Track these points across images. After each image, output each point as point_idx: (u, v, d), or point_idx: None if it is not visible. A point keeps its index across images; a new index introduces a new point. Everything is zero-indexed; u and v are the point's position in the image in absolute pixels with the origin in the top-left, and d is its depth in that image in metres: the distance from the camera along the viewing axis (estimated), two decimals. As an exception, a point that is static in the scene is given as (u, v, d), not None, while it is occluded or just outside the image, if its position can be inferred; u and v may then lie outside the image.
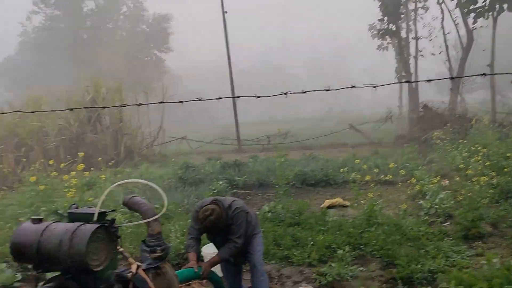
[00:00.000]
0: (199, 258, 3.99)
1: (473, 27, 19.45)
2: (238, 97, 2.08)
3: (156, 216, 2.66)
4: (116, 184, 2.56)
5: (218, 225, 3.68)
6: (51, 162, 10.85)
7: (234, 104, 22.48)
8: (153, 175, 12.36)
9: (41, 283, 2.39)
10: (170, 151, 19.64)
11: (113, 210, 2.57)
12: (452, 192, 7.74)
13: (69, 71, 34.69)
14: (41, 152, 15.21)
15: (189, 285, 4.69)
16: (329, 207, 8.21)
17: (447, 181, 9.00)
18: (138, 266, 2.61)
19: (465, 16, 19.30)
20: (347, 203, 8.31)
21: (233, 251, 3.79)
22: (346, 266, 5.02)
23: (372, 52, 35.05)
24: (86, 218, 2.36)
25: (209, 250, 4.74)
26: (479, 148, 10.33)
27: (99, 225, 2.26)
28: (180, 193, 9.59)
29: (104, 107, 2.95)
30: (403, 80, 25.79)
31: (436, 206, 7.10)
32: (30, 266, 2.35)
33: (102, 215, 2.40)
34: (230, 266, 4.05)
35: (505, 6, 17.86)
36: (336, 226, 6.44)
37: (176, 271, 3.24)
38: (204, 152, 19.90)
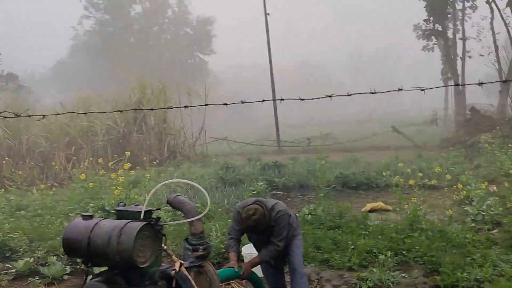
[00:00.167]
0: (239, 258, 4.04)
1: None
2: (282, 99, 2.10)
3: (199, 216, 2.73)
4: (162, 183, 2.65)
5: (260, 225, 3.71)
6: (99, 161, 11.29)
7: (274, 106, 22.52)
8: (195, 174, 12.61)
9: (89, 277, 2.52)
10: (211, 151, 19.94)
11: (158, 209, 2.67)
12: (500, 199, 7.42)
13: (117, 73, 35.96)
14: (90, 150, 15.87)
15: (229, 284, 4.77)
16: (371, 211, 8.07)
17: (495, 187, 8.62)
18: (181, 264, 2.69)
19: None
20: (389, 207, 8.14)
21: (274, 254, 3.81)
22: (388, 271, 4.93)
23: (417, 53, 34.10)
24: (133, 216, 2.46)
25: (249, 250, 4.79)
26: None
27: (145, 223, 2.35)
28: (220, 193, 9.73)
29: (151, 109, 3.06)
30: (450, 82, 24.93)
31: (483, 213, 6.83)
32: (79, 261, 2.46)
33: (148, 213, 2.49)
34: (271, 267, 4.08)
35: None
36: (377, 230, 6.33)
37: (217, 271, 3.31)
38: (244, 152, 20.06)
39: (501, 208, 6.87)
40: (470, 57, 25.68)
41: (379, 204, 8.24)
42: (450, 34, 24.60)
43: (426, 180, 9.92)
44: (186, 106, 2.23)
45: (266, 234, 3.86)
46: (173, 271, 2.57)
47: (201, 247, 3.01)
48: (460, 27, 26.29)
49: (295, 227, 4.02)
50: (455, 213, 7.25)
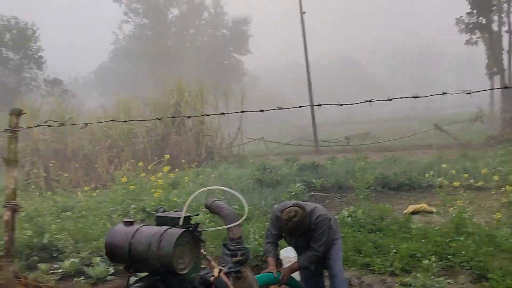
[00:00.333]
0: (278, 263, 4.00)
1: None
2: (320, 105, 2.04)
3: (237, 223, 2.72)
4: (199, 191, 2.66)
5: (300, 228, 3.65)
6: (140, 164, 11.56)
7: (311, 103, 22.30)
8: (232, 175, 12.66)
9: (132, 277, 2.55)
10: (248, 152, 20.01)
11: (197, 215, 2.68)
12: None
13: (155, 76, 36.80)
14: (131, 152, 16.30)
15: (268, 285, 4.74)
16: (413, 213, 7.81)
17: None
18: (220, 270, 2.69)
19: None
20: (433, 209, 7.85)
21: (313, 259, 3.75)
22: (433, 277, 4.74)
23: (460, 47, 32.84)
24: (172, 222, 2.48)
25: (287, 253, 4.74)
26: None
27: (184, 229, 2.36)
28: (257, 195, 9.69)
29: (189, 117, 3.09)
30: (495, 77, 23.84)
31: (535, 216, 6.47)
32: (122, 266, 2.50)
33: (187, 219, 2.50)
34: (309, 271, 4.01)
35: None
36: (421, 233, 6.11)
37: (255, 275, 3.29)
38: (281, 153, 19.98)
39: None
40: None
41: (422, 206, 7.96)
42: (495, 27, 23.53)
43: (472, 181, 9.52)
44: (223, 113, 2.21)
45: (305, 238, 3.81)
46: (212, 277, 2.57)
47: (239, 252, 3.00)
48: (505, 19, 25.09)
49: (335, 231, 3.94)
50: (504, 216, 6.89)
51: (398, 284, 4.75)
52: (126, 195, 9.79)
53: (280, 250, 4.71)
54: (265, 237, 4.01)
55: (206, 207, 3.24)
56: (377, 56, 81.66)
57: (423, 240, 5.82)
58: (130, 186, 9.47)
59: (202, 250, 2.58)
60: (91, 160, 16.05)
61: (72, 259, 6.11)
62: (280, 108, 2.14)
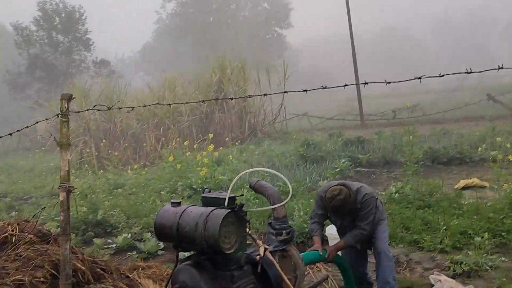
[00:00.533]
0: (323, 241, 3.98)
1: None
2: (366, 83, 1.96)
3: (281, 204, 2.71)
4: (242, 174, 2.66)
5: (345, 206, 3.61)
6: (186, 143, 11.79)
7: (356, 77, 21.72)
8: (275, 152, 12.66)
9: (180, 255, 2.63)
10: (291, 127, 19.87)
11: (242, 195, 2.70)
12: None
13: (198, 54, 37.07)
14: (177, 130, 16.66)
15: (314, 265, 4.75)
16: (464, 188, 7.53)
17: None
18: (266, 249, 2.71)
19: None
20: (486, 184, 7.52)
21: (359, 237, 3.70)
22: (485, 255, 4.58)
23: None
24: (218, 202, 2.51)
25: (333, 230, 4.71)
26: None
27: (229, 210, 2.39)
28: (301, 171, 9.66)
29: (231, 99, 3.07)
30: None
31: None
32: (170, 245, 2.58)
33: (232, 200, 2.52)
34: (353, 251, 3.96)
35: None
36: (472, 210, 5.89)
37: (301, 254, 3.30)
38: (325, 128, 19.71)
39: None
40: None
41: (474, 180, 7.64)
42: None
43: (529, 154, 9.00)
44: (265, 94, 2.17)
45: (351, 218, 3.76)
46: (258, 256, 2.60)
47: (284, 231, 3.02)
48: None
49: (381, 211, 3.87)
50: None
51: (448, 261, 4.61)
52: (173, 173, 10.06)
53: (325, 227, 4.70)
54: (310, 217, 4.00)
55: (250, 187, 3.27)
56: (425, 25, 77.66)
57: (475, 217, 5.62)
58: (177, 165, 9.70)
59: (247, 230, 2.60)
60: (139, 138, 16.57)
61: (125, 235, 6.41)
62: (324, 87, 2.07)
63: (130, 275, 4.00)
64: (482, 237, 4.92)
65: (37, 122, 3.19)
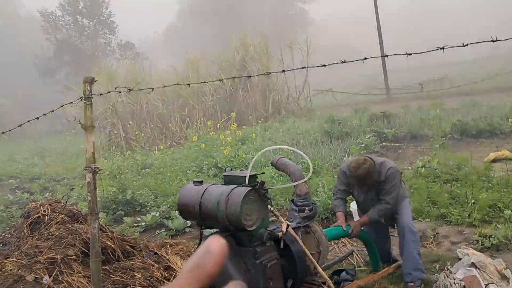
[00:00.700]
0: (347, 216, 3.98)
1: None
2: (386, 56, 1.91)
3: (303, 181, 2.72)
4: (260, 152, 2.67)
5: (369, 177, 3.57)
6: (209, 123, 11.85)
7: (381, 50, 21.20)
8: (300, 129, 12.60)
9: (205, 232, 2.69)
10: (316, 104, 19.66)
11: (263, 173, 2.71)
12: None
13: (221, 32, 36.85)
14: (201, 110, 16.76)
15: (338, 239, 4.77)
16: (494, 160, 7.33)
17: None
18: (288, 225, 2.74)
19: None
20: (517, 156, 7.31)
21: (383, 212, 3.68)
22: (515, 228, 4.49)
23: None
24: (239, 181, 2.54)
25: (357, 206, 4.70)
26: None
27: (250, 188, 2.41)
28: (326, 148, 9.61)
29: (249, 76, 3.05)
30: None
31: None
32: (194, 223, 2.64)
33: (253, 178, 2.55)
34: (378, 227, 3.95)
35: None
36: (502, 182, 5.76)
37: (325, 230, 3.32)
38: (350, 103, 19.39)
39: None
40: None
41: (505, 153, 7.43)
42: None
43: None
44: (283, 71, 2.14)
45: (374, 192, 3.74)
46: (281, 232, 2.63)
47: (307, 208, 3.03)
48: None
49: (403, 189, 3.83)
50: None
51: (477, 235, 4.54)
52: (199, 152, 10.19)
53: (349, 203, 4.69)
54: (333, 194, 4.00)
55: (272, 165, 3.28)
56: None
57: (504, 190, 5.49)
58: (201, 145, 9.80)
59: (269, 207, 2.63)
60: (164, 119, 16.76)
61: (153, 213, 6.57)
62: (343, 62, 2.03)
63: (158, 252, 4.12)
64: (512, 210, 4.82)
65: (61, 106, 3.26)
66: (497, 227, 4.58)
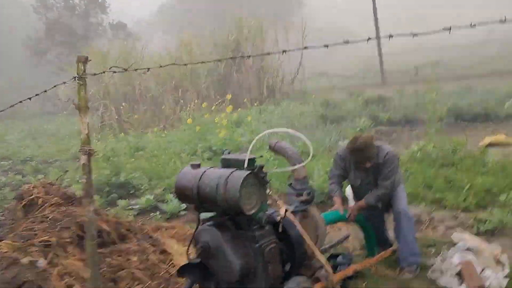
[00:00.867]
0: (343, 201, 3.97)
1: None
2: (391, 36, 1.85)
3: (302, 164, 2.67)
4: (261, 135, 2.61)
5: (368, 150, 3.52)
6: (204, 105, 11.75)
7: (377, 33, 21.03)
8: (294, 112, 12.53)
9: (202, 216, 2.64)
10: (310, 87, 19.55)
11: (261, 156, 2.66)
12: None
13: (214, 13, 36.35)
14: (195, 92, 16.59)
15: (335, 223, 4.76)
16: (489, 145, 7.35)
17: None
18: (286, 209, 2.70)
19: None
20: (512, 141, 7.33)
21: (381, 197, 3.66)
22: (510, 213, 4.50)
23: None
24: (237, 164, 2.49)
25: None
26: None
27: (249, 172, 2.37)
28: (321, 131, 9.56)
29: (248, 57, 2.96)
30: None
31: None
32: (191, 206, 2.59)
33: (251, 161, 2.50)
34: (374, 212, 3.93)
35: None
36: (498, 167, 5.78)
37: (322, 214, 3.30)
38: (345, 87, 19.33)
39: None
40: None
41: (500, 137, 7.44)
42: None
43: (559, 110, 8.70)
44: (284, 51, 2.07)
45: (372, 176, 3.70)
46: (279, 216, 2.60)
47: (305, 192, 3.00)
48: None
49: (399, 174, 3.81)
50: None
51: (472, 220, 4.56)
52: (193, 135, 10.11)
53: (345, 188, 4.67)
54: (329, 178, 3.96)
55: (270, 148, 3.23)
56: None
57: (500, 174, 5.50)
58: (197, 127, 9.72)
59: (268, 191, 2.59)
60: (158, 101, 16.59)
61: (147, 196, 6.52)
62: (347, 42, 1.97)
63: (153, 235, 4.09)
64: (508, 195, 4.83)
65: (54, 86, 3.17)
66: (493, 212, 4.60)
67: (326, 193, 5.45)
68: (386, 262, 3.78)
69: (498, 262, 3.61)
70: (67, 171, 5.98)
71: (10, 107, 3.60)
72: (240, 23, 18.01)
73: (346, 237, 4.16)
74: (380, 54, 20.85)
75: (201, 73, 16.95)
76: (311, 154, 2.52)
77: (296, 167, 2.74)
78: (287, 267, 2.66)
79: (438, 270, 3.54)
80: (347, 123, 10.07)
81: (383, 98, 12.09)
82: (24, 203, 3.53)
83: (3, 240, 3.04)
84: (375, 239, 3.94)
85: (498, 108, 9.64)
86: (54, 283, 2.71)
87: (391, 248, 3.82)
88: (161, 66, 2.70)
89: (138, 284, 3.12)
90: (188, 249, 2.59)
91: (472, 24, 1.62)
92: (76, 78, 2.86)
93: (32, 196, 3.52)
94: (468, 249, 3.66)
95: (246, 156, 2.42)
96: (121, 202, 6.43)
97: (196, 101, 14.70)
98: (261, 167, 2.46)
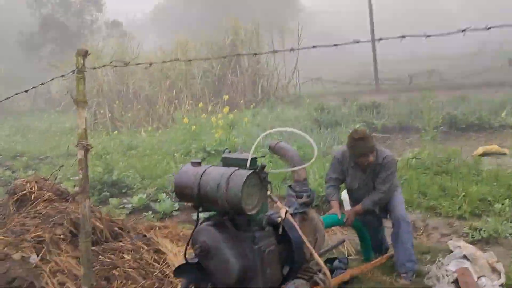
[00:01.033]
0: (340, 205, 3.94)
1: None
2: (380, 39, 1.82)
3: (306, 165, 2.64)
4: (267, 132, 2.58)
5: (368, 141, 3.50)
6: (200, 105, 11.69)
7: (373, 42, 21.15)
8: (289, 116, 12.53)
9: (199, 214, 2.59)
10: (305, 92, 19.58)
11: (263, 156, 2.62)
12: None
13: (210, 15, 36.32)
14: (189, 93, 16.51)
15: (330, 229, 4.73)
16: (483, 154, 7.39)
17: None
18: (286, 211, 2.66)
19: None
20: (506, 151, 7.38)
21: (377, 201, 3.64)
22: (505, 222, 4.51)
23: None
24: (238, 163, 2.44)
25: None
26: None
27: (252, 171, 2.32)
28: (316, 136, 9.54)
29: (238, 55, 2.91)
30: None
31: None
32: (191, 205, 2.54)
33: (253, 161, 2.46)
34: (371, 217, 3.90)
35: None
36: (492, 176, 5.80)
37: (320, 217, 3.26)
38: (339, 92, 19.37)
39: None
40: None
41: (494, 147, 7.49)
42: None
43: (552, 121, 8.78)
44: (275, 51, 2.05)
45: (370, 178, 3.68)
46: (279, 218, 2.56)
47: (305, 194, 2.96)
48: None
49: (396, 179, 3.80)
50: None
51: (467, 228, 4.56)
52: (186, 135, 10.04)
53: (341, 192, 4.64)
54: (325, 182, 3.94)
55: (269, 149, 3.19)
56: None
57: (494, 184, 5.52)
58: (192, 127, 9.65)
59: (268, 192, 2.55)
60: (151, 101, 16.48)
61: (140, 195, 6.44)
62: (336, 45, 1.94)
63: (147, 235, 4.02)
64: (503, 204, 4.85)
65: (52, 79, 3.11)
66: (487, 220, 4.60)
67: (321, 197, 5.42)
68: (382, 268, 3.75)
69: (494, 270, 3.60)
70: (62, 166, 5.87)
71: (-1, 102, 3.52)
72: (236, 25, 18.00)
73: (342, 242, 4.13)
74: (374, 61, 20.97)
75: (197, 75, 16.89)
76: (315, 155, 2.49)
77: (300, 167, 2.71)
78: (285, 270, 2.62)
79: (434, 277, 3.52)
80: (341, 128, 10.06)
81: (378, 104, 12.11)
82: (16, 197, 3.45)
83: (-7, 235, 2.97)
84: (372, 244, 3.92)
85: (492, 118, 9.71)
86: (47, 280, 2.63)
87: (388, 254, 3.80)
88: (164, 62, 2.65)
89: (131, 283, 3.06)
90: (186, 248, 2.54)
91: (488, 26, 1.60)
92: (75, 72, 2.81)
93: (25, 191, 3.45)
94: (464, 257, 3.65)
95: (249, 155, 2.38)
96: (113, 201, 6.35)
97: (190, 102, 14.63)
98: (263, 167, 2.42)
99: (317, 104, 13.12)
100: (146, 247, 3.57)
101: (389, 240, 4.01)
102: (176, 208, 6.06)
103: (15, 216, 3.17)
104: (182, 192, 2.48)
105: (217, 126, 8.83)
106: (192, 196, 2.43)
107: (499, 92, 13.38)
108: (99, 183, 7.02)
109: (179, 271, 2.62)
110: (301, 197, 2.94)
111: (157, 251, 3.69)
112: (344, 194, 4.79)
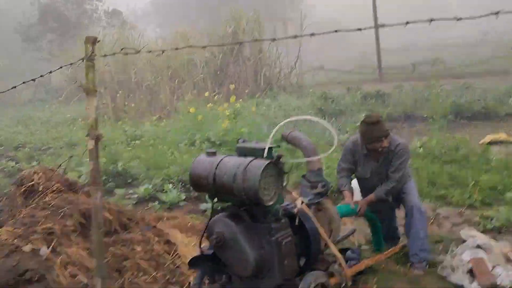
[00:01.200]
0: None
1: None
2: (383, 26, 1.75)
3: (327, 154, 2.57)
4: (284, 122, 2.51)
5: (383, 126, 3.47)
6: (206, 94, 11.60)
7: (376, 30, 20.96)
8: (291, 106, 12.42)
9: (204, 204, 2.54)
10: (307, 81, 19.44)
11: (278, 146, 2.56)
12: None
13: (211, 5, 36.00)
14: (191, 83, 16.40)
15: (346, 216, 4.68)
16: (490, 143, 7.31)
17: None
18: (302, 202, 2.61)
19: None
20: (513, 139, 7.30)
21: (390, 190, 3.57)
22: (517, 211, 4.46)
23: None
24: (254, 153, 2.38)
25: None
26: None
27: (269, 161, 2.26)
28: (321, 125, 9.46)
29: (239, 43, 2.84)
30: None
31: None
32: (207, 196, 2.48)
33: (269, 150, 2.40)
34: (384, 207, 3.84)
35: None
36: (501, 165, 5.74)
37: (334, 207, 3.21)
38: (342, 82, 19.24)
39: None
40: None
41: (502, 135, 7.41)
42: None
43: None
44: (274, 39, 1.98)
45: (382, 166, 3.62)
46: (296, 209, 2.51)
47: (320, 184, 2.91)
48: None
49: (409, 168, 3.74)
50: None
51: (478, 217, 4.51)
52: (190, 125, 9.96)
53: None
54: (337, 172, 3.87)
55: (283, 139, 3.13)
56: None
57: (505, 172, 5.46)
58: (198, 117, 9.56)
59: (284, 182, 2.49)
60: (153, 91, 16.39)
61: (146, 186, 6.38)
62: (337, 31, 1.87)
63: (156, 225, 3.98)
64: (514, 193, 4.80)
65: (61, 67, 3.03)
66: (499, 209, 4.55)
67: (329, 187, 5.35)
68: (395, 257, 3.71)
69: (508, 259, 3.56)
70: (71, 156, 5.80)
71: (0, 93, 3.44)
72: (238, 14, 17.81)
73: (352, 232, 4.08)
74: (378, 50, 20.79)
75: (199, 64, 16.76)
76: (335, 144, 2.42)
77: (319, 157, 2.65)
78: (302, 261, 2.58)
79: (448, 266, 3.48)
80: (346, 117, 9.99)
81: (382, 93, 12.02)
82: (23, 188, 3.39)
83: (3, 226, 2.92)
84: (384, 234, 3.87)
85: (498, 106, 9.63)
86: (58, 272, 2.59)
87: (401, 244, 3.75)
88: (176, 49, 2.58)
89: (143, 275, 3.02)
90: (200, 240, 2.49)
91: (456, 17, 1.53)
92: (85, 59, 2.73)
93: (33, 182, 3.39)
94: (478, 246, 3.60)
95: (267, 145, 2.32)
96: (119, 191, 6.30)
97: (194, 91, 14.53)
98: (280, 156, 2.36)
99: (320, 93, 13.01)
100: (156, 238, 3.52)
101: (401, 230, 3.97)
102: (183, 198, 6.01)
103: (24, 207, 3.12)
104: (197, 182, 2.43)
105: (223, 116, 8.74)
106: (208, 186, 2.37)
107: (503, 81, 13.25)
108: (104, 174, 6.95)
109: (193, 262, 2.57)
110: (316, 187, 2.88)
111: (168, 241, 3.64)
112: (354, 184, 4.73)
